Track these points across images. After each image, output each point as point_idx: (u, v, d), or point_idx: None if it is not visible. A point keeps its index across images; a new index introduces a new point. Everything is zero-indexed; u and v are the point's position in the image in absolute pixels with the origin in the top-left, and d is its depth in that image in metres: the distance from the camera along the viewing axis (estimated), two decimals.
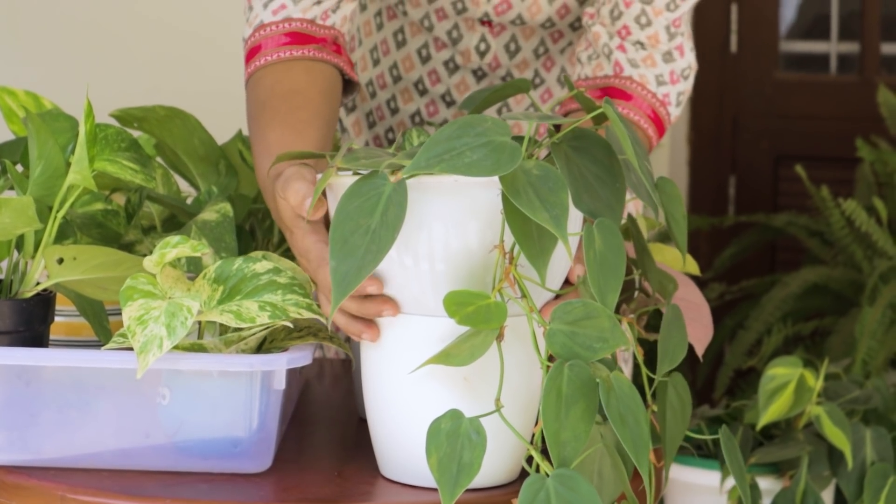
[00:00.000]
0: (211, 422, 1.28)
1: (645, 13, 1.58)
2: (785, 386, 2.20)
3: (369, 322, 1.26)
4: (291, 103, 1.48)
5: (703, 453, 2.36)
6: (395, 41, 1.81)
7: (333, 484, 1.29)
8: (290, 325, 1.30)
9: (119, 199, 1.51)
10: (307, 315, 1.27)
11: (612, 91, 1.60)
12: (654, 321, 1.59)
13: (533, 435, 1.16)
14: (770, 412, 2.19)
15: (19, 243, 1.34)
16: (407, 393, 1.24)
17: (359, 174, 1.23)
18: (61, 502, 1.24)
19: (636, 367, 1.72)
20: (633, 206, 1.78)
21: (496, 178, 1.15)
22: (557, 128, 1.42)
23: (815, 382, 2.21)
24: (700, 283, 3.07)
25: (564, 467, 1.09)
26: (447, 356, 1.16)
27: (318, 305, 1.29)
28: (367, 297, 1.24)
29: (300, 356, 1.27)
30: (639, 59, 1.61)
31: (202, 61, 3.15)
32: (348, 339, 1.55)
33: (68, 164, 1.32)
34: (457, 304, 1.13)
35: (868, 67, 3.62)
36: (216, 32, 3.10)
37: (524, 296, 1.17)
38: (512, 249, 1.17)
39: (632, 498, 1.20)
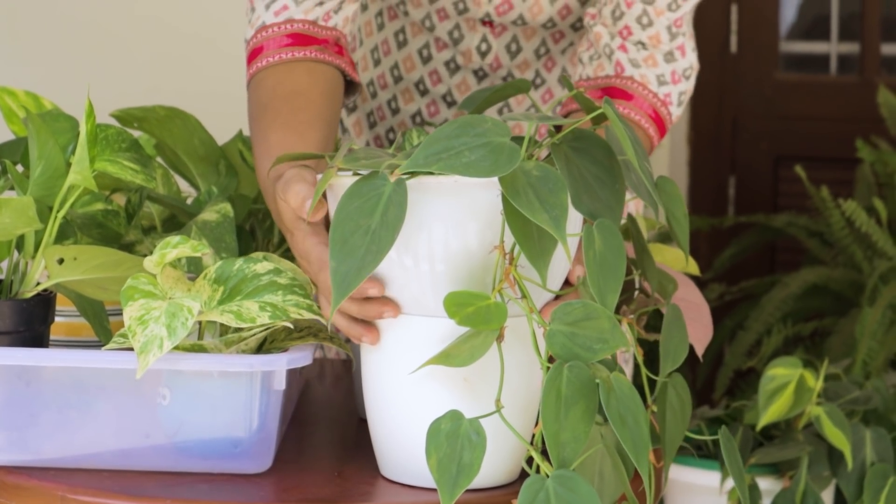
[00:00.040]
0: (211, 422, 1.28)
1: (646, 13, 1.59)
2: (785, 386, 2.20)
3: (369, 325, 1.26)
4: (293, 105, 1.48)
5: (703, 454, 2.36)
6: (396, 41, 1.81)
7: (333, 484, 1.29)
8: (291, 326, 1.30)
9: (119, 200, 1.51)
10: (307, 316, 1.27)
11: (614, 91, 1.61)
12: (653, 321, 1.59)
13: (533, 436, 1.16)
14: (770, 413, 2.19)
15: (20, 243, 1.34)
16: (407, 393, 1.24)
17: (359, 175, 1.23)
18: (61, 502, 1.24)
19: (636, 367, 1.72)
20: (634, 205, 1.78)
21: (496, 179, 1.15)
22: (558, 128, 1.42)
23: (815, 383, 2.21)
24: (700, 283, 3.07)
25: (564, 468, 1.09)
26: (447, 357, 1.16)
27: (319, 307, 1.29)
28: (368, 298, 1.24)
29: (300, 356, 1.27)
30: (640, 60, 1.61)
31: (202, 62, 3.15)
32: (349, 340, 1.55)
33: (69, 165, 1.32)
34: (457, 305, 1.13)
35: (868, 68, 3.62)
36: (216, 33, 3.10)
37: (524, 296, 1.17)
38: (512, 250, 1.17)
39: (632, 498, 1.20)
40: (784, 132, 3.65)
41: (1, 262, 1.35)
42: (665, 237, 2.85)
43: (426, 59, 1.80)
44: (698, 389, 3.16)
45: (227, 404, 1.27)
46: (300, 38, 1.54)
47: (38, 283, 1.33)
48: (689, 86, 1.64)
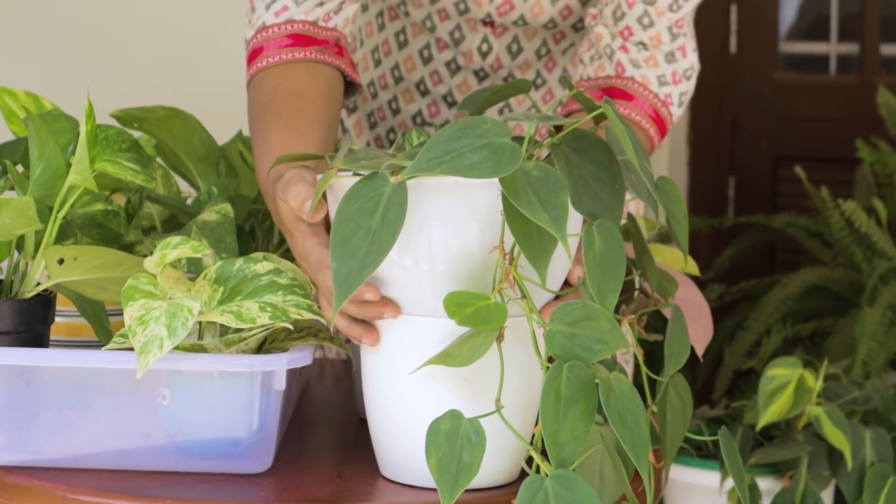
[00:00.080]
0: (211, 422, 1.28)
1: (647, 14, 1.59)
2: (784, 386, 2.20)
3: (369, 326, 1.26)
4: (293, 105, 1.48)
5: (703, 454, 2.36)
6: (397, 42, 1.81)
7: (333, 484, 1.29)
8: (291, 327, 1.30)
9: (119, 200, 1.52)
10: (308, 316, 1.27)
11: (614, 91, 1.61)
12: (652, 321, 1.59)
13: (532, 435, 1.16)
14: (770, 413, 2.19)
15: (20, 244, 1.34)
16: (407, 393, 1.24)
17: (359, 175, 1.23)
18: (61, 502, 1.24)
19: (637, 367, 1.72)
20: (635, 205, 1.78)
21: (496, 179, 1.15)
22: (558, 129, 1.42)
23: (815, 383, 2.21)
24: (699, 283, 3.07)
25: (563, 468, 1.09)
26: (447, 357, 1.16)
27: (319, 307, 1.29)
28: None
29: (300, 357, 1.27)
30: (641, 60, 1.61)
31: (202, 62, 3.15)
32: (349, 340, 1.55)
33: (69, 165, 1.32)
34: (457, 305, 1.13)
35: (867, 68, 3.62)
36: (216, 33, 3.11)
37: (524, 296, 1.17)
38: (512, 250, 1.17)
39: (632, 498, 1.20)
40: (784, 132, 3.65)
41: (1, 262, 1.35)
42: (665, 237, 2.85)
43: (427, 60, 1.80)
44: (698, 390, 3.16)
45: (227, 404, 1.27)
46: (300, 39, 1.54)
47: (39, 284, 1.34)
48: (689, 86, 1.64)
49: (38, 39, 3.18)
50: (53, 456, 1.29)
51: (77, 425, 1.28)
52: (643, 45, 1.61)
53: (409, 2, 1.75)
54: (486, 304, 1.15)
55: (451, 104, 1.81)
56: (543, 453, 1.13)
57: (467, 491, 1.23)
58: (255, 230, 1.65)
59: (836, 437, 2.16)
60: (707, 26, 3.50)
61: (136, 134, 1.61)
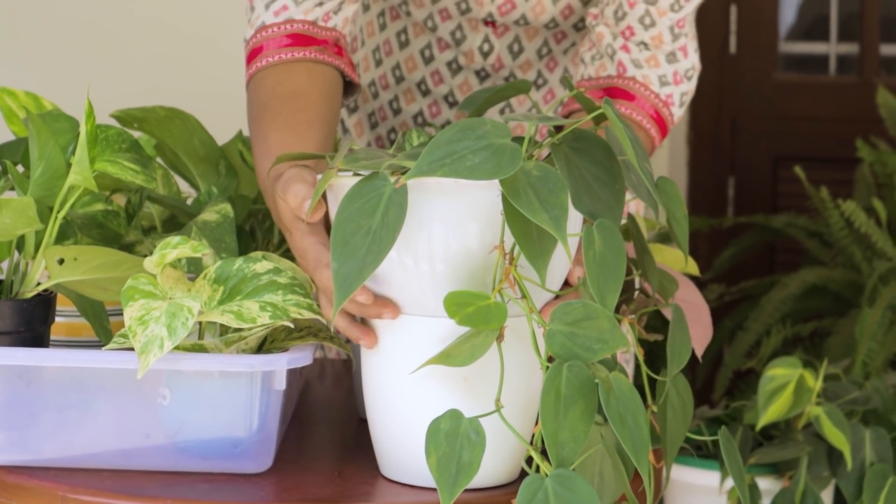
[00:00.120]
0: (211, 422, 1.28)
1: (649, 14, 1.59)
2: (784, 386, 2.20)
3: (367, 329, 1.26)
4: (293, 105, 1.48)
5: (703, 454, 2.36)
6: (399, 42, 1.81)
7: (334, 484, 1.30)
8: (291, 326, 1.30)
9: (119, 200, 1.52)
10: (308, 315, 1.27)
11: (615, 91, 1.61)
12: (652, 322, 1.59)
13: (532, 435, 1.16)
14: (769, 413, 2.19)
15: (20, 244, 1.34)
16: (407, 393, 1.24)
17: (359, 175, 1.23)
18: (62, 502, 1.24)
19: (637, 367, 1.72)
20: (635, 205, 1.78)
21: (496, 180, 1.15)
22: (558, 129, 1.42)
23: (815, 383, 2.21)
24: (699, 283, 3.07)
25: (563, 467, 1.09)
26: (447, 357, 1.16)
27: (318, 306, 1.29)
28: None
29: (300, 356, 1.27)
30: (642, 60, 1.61)
31: (202, 62, 3.15)
32: (349, 340, 1.55)
33: (69, 165, 1.32)
34: (457, 305, 1.13)
35: (867, 69, 3.63)
36: (216, 33, 3.11)
37: (524, 296, 1.17)
38: (512, 250, 1.17)
39: (632, 499, 1.20)
40: (783, 133, 3.65)
41: (1, 262, 1.35)
42: (665, 237, 2.85)
43: (428, 60, 1.80)
44: (698, 390, 3.16)
45: (227, 404, 1.27)
46: (300, 39, 1.54)
47: (39, 284, 1.34)
48: (690, 86, 1.64)
49: (38, 39, 3.18)
50: (54, 456, 1.29)
51: (77, 425, 1.28)
52: (644, 44, 1.61)
53: (410, 1, 1.75)
54: (486, 303, 1.15)
55: (453, 104, 1.81)
56: (543, 453, 1.13)
57: (467, 491, 1.23)
58: (255, 230, 1.65)
59: (836, 437, 2.16)
60: (707, 26, 3.50)
61: (136, 134, 1.61)
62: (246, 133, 1.60)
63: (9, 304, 1.30)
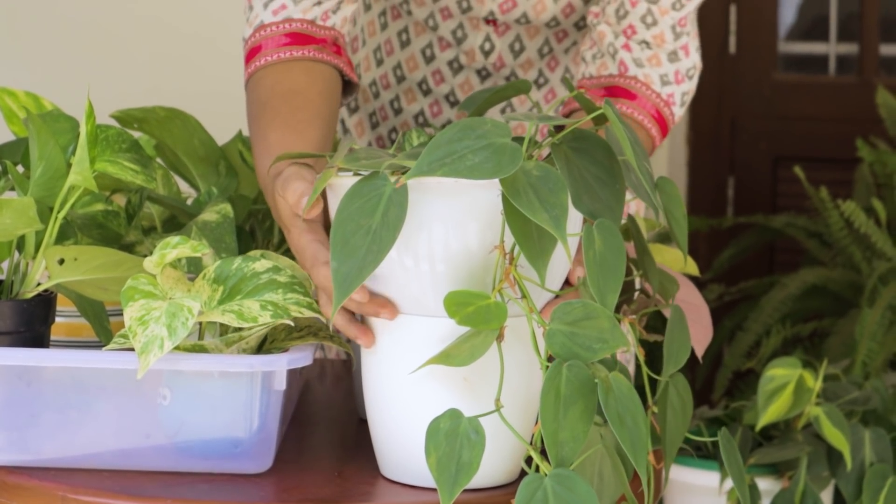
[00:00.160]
0: (211, 422, 1.28)
1: (651, 13, 1.59)
2: (784, 387, 2.20)
3: (365, 328, 1.26)
4: (292, 104, 1.48)
5: (702, 454, 2.36)
6: (400, 41, 1.82)
7: (334, 484, 1.30)
8: (292, 325, 1.31)
9: (119, 200, 1.52)
10: (308, 314, 1.27)
11: (617, 90, 1.61)
12: (652, 322, 1.59)
13: (532, 435, 1.16)
14: (769, 413, 2.19)
15: (20, 244, 1.34)
16: (407, 393, 1.24)
17: (360, 175, 1.23)
18: (62, 503, 1.24)
19: (638, 367, 1.72)
20: (636, 205, 1.78)
21: (496, 179, 1.15)
22: (559, 129, 1.42)
23: (815, 383, 2.21)
24: (699, 284, 3.07)
25: (563, 467, 1.09)
26: (447, 356, 1.16)
27: (317, 303, 1.30)
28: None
29: (301, 357, 1.27)
30: (644, 59, 1.61)
31: (202, 62, 3.15)
32: (349, 340, 1.56)
33: (69, 165, 1.32)
34: (457, 305, 1.14)
35: (867, 69, 3.63)
36: (216, 33, 3.11)
37: (524, 296, 1.17)
38: (512, 250, 1.17)
39: (631, 499, 1.20)
40: (783, 133, 3.65)
41: (1, 262, 1.35)
42: (664, 238, 2.85)
43: (429, 59, 1.80)
44: (697, 390, 3.16)
45: (227, 404, 1.27)
46: (298, 38, 1.54)
47: (39, 284, 1.34)
48: (691, 86, 1.64)
49: (38, 39, 3.18)
50: (54, 456, 1.29)
51: (77, 425, 1.28)
52: (646, 43, 1.61)
53: (411, 0, 1.75)
54: (486, 303, 1.15)
55: (454, 103, 1.82)
56: (543, 453, 1.13)
57: (467, 491, 1.23)
58: (255, 230, 1.65)
59: (836, 437, 2.16)
60: (706, 26, 3.50)
61: (136, 134, 1.61)
62: (246, 133, 1.60)
63: (9, 304, 1.30)
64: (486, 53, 1.77)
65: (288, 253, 1.58)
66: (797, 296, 3.00)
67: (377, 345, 1.26)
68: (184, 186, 1.69)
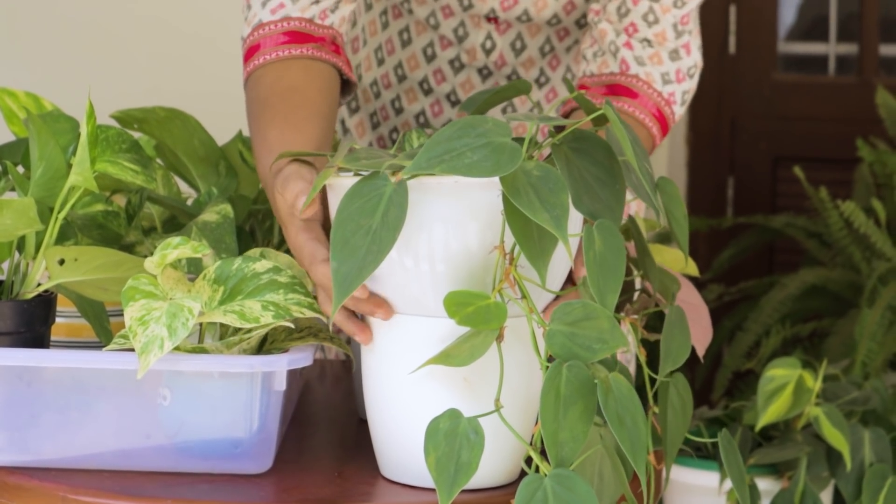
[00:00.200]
0: (211, 423, 1.28)
1: (653, 10, 1.59)
2: (784, 387, 2.21)
3: (363, 325, 1.27)
4: (291, 101, 1.48)
5: (702, 454, 2.36)
6: (401, 40, 1.82)
7: (334, 484, 1.30)
8: (292, 326, 1.31)
9: (120, 201, 1.52)
10: (310, 314, 1.28)
11: (619, 88, 1.61)
12: (653, 322, 1.59)
13: (532, 435, 1.16)
14: (769, 413, 2.19)
15: (20, 244, 1.34)
16: (407, 393, 1.24)
17: (360, 175, 1.23)
18: (62, 503, 1.24)
19: (639, 367, 1.72)
20: (636, 205, 1.78)
21: (496, 179, 1.15)
22: (559, 129, 1.42)
23: (814, 384, 2.22)
24: (698, 284, 3.08)
25: (562, 468, 1.10)
26: (447, 357, 1.16)
27: (316, 300, 1.30)
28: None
29: (301, 357, 1.27)
30: (645, 57, 1.61)
31: (202, 62, 3.15)
32: (349, 341, 1.56)
33: (69, 166, 1.32)
34: (457, 305, 1.14)
35: (866, 69, 3.63)
36: (216, 33, 3.11)
37: (524, 296, 1.17)
38: (512, 250, 1.17)
39: (631, 499, 1.20)
40: (783, 133, 3.65)
41: (2, 263, 1.35)
42: (664, 238, 2.86)
43: (430, 58, 1.80)
44: (697, 390, 3.16)
45: (227, 405, 1.28)
46: (296, 36, 1.54)
47: (39, 284, 1.34)
48: (692, 84, 1.64)
49: (38, 40, 3.18)
50: (54, 456, 1.29)
51: (78, 426, 1.29)
52: (648, 41, 1.61)
53: None
54: (486, 303, 1.15)
55: (455, 103, 1.82)
56: (543, 453, 1.13)
57: (467, 491, 1.23)
58: (255, 230, 1.65)
59: (835, 437, 2.16)
60: (706, 27, 3.50)
61: (136, 135, 1.61)
62: (246, 133, 1.60)
63: (9, 304, 1.30)
64: (488, 52, 1.77)
65: (289, 253, 1.58)
66: (797, 296, 3.00)
67: (377, 345, 1.26)
68: (184, 187, 1.69)
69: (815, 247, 3.17)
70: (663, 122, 1.61)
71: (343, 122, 1.91)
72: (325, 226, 1.32)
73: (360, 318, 1.29)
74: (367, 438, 1.33)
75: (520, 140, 1.15)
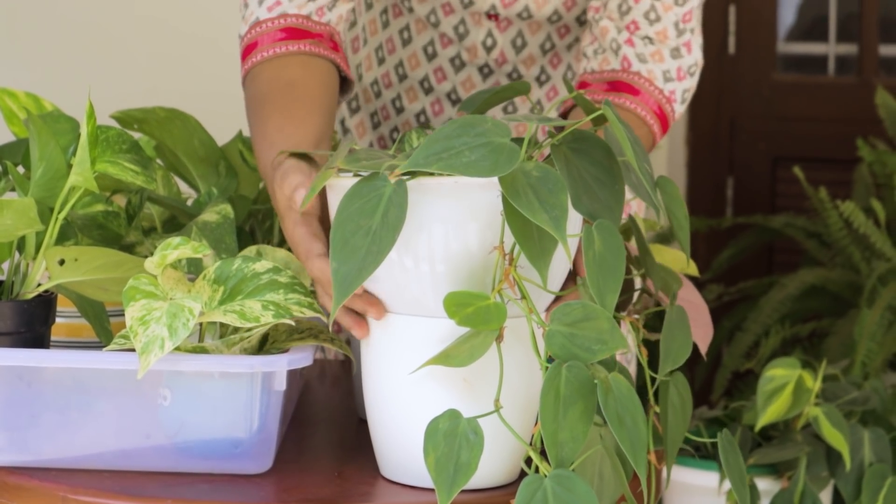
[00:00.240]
0: (212, 423, 1.28)
1: (654, 9, 1.59)
2: (783, 387, 2.21)
3: (360, 319, 1.27)
4: (290, 96, 1.48)
5: (702, 454, 2.36)
6: (401, 39, 1.82)
7: (333, 484, 1.30)
8: (293, 324, 1.31)
9: (120, 201, 1.52)
10: (310, 314, 1.28)
11: (620, 85, 1.61)
12: (653, 321, 1.59)
13: (532, 436, 1.16)
14: (768, 413, 2.19)
15: (21, 245, 1.34)
16: (407, 394, 1.25)
17: (360, 175, 1.23)
18: (62, 503, 1.24)
19: (639, 367, 1.72)
20: (637, 205, 1.78)
21: (496, 180, 1.15)
22: (559, 129, 1.42)
23: (814, 384, 2.22)
24: (698, 284, 3.08)
25: (562, 468, 1.10)
26: (447, 357, 1.16)
27: (314, 294, 1.30)
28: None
29: (301, 357, 1.27)
30: (647, 55, 1.61)
31: (202, 62, 3.15)
32: (349, 342, 1.56)
33: (69, 166, 1.32)
34: (457, 305, 1.14)
35: (866, 69, 3.63)
36: (216, 33, 3.10)
37: (524, 297, 1.17)
38: (512, 250, 1.17)
39: (631, 500, 1.20)
40: (782, 133, 3.65)
41: (2, 263, 1.35)
42: (664, 238, 2.86)
43: (431, 56, 1.80)
44: (697, 390, 3.16)
45: (227, 405, 1.28)
46: (294, 33, 1.54)
47: (39, 284, 1.34)
48: (693, 83, 1.64)
49: (38, 40, 3.18)
50: (54, 456, 1.30)
51: (78, 426, 1.29)
52: (649, 39, 1.61)
53: None
54: (486, 304, 1.15)
55: (455, 101, 1.82)
56: (542, 453, 1.13)
57: (466, 491, 1.23)
58: (255, 231, 1.65)
59: (835, 437, 2.17)
60: (706, 27, 3.50)
61: (136, 135, 1.61)
62: (246, 133, 1.60)
63: (9, 304, 1.30)
64: (489, 49, 1.77)
65: (290, 250, 1.58)
66: (796, 296, 3.00)
67: (377, 345, 1.27)
68: (184, 187, 1.69)
69: (815, 247, 3.17)
70: (664, 120, 1.61)
71: (343, 122, 1.91)
72: (326, 225, 1.32)
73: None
74: (367, 438, 1.33)
75: (519, 140, 1.15)
